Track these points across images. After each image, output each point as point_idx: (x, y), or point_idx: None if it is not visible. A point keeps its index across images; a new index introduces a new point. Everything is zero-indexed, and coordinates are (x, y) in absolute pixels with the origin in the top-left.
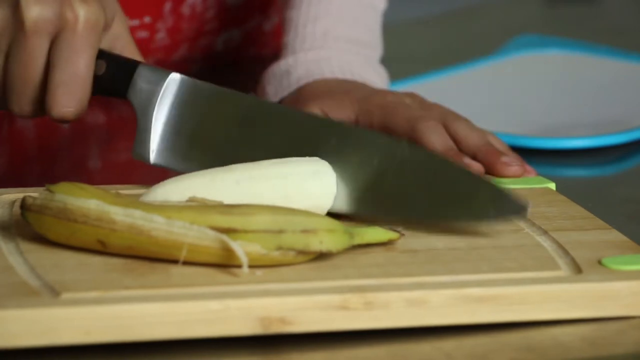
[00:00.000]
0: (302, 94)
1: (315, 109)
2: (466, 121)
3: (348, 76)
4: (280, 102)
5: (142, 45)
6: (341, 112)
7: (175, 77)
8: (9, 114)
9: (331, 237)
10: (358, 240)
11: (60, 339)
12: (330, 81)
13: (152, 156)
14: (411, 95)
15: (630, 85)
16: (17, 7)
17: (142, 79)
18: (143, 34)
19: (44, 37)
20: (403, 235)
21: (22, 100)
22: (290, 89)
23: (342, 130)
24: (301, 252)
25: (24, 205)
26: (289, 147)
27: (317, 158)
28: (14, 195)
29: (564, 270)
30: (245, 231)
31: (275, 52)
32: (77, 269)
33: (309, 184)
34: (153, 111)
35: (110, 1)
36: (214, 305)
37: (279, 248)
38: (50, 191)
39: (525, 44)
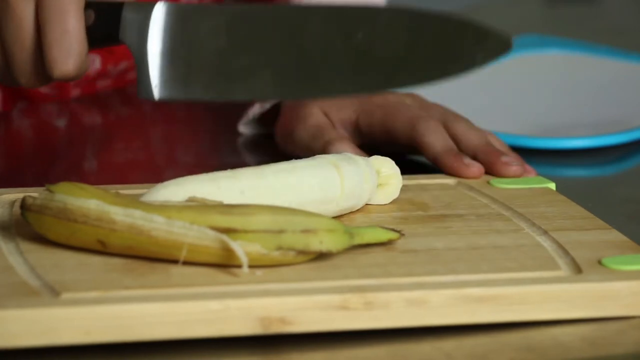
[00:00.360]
0: None
1: (316, 109)
2: (466, 121)
3: None
4: (280, 102)
5: None
6: (341, 111)
7: (159, 7)
8: (5, 115)
9: (331, 237)
10: (358, 241)
11: (60, 339)
12: None
13: (156, 92)
14: (411, 96)
15: (630, 85)
16: None
17: (129, 17)
18: None
19: (27, 2)
20: (403, 235)
21: (25, 70)
22: None
23: (324, 13)
24: (301, 252)
25: (24, 205)
26: (276, 44)
27: (324, 159)
28: (14, 195)
29: (564, 270)
30: (245, 231)
31: None
32: (77, 269)
33: (315, 195)
34: (146, 46)
35: None
36: (214, 305)
37: (279, 248)
38: (50, 191)
39: (525, 44)
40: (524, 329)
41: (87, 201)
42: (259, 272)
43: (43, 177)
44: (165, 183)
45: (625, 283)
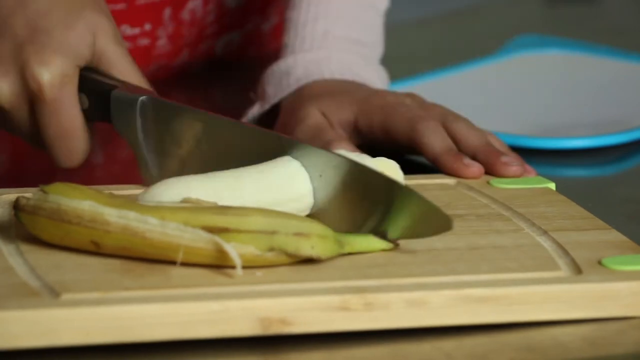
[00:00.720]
0: (301, 95)
1: (314, 110)
2: (466, 121)
3: (348, 76)
4: (280, 102)
5: (144, 53)
6: (340, 112)
7: (144, 100)
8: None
9: (322, 243)
10: (348, 249)
11: (60, 339)
12: (329, 82)
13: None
14: (411, 96)
15: (630, 85)
16: None
17: (117, 108)
18: (144, 41)
19: (22, 107)
20: (398, 245)
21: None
22: (290, 89)
23: (291, 146)
24: (291, 255)
25: (17, 206)
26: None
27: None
28: (14, 195)
29: (564, 271)
30: (239, 231)
31: (275, 53)
32: (77, 269)
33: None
34: (139, 136)
35: (80, 32)
36: (214, 306)
37: (271, 249)
38: (44, 192)
39: (525, 44)
40: (524, 329)
41: (81, 202)
42: (259, 273)
43: (42, 178)
44: (160, 182)
45: (625, 283)
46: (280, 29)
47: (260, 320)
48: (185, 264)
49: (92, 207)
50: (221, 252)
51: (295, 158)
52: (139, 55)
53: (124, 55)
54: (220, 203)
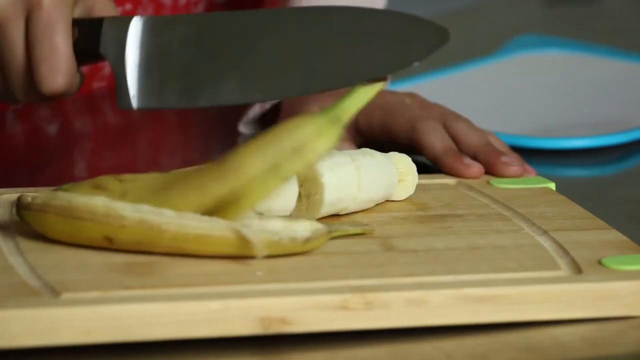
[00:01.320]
0: None
1: (315, 108)
2: (466, 121)
3: None
4: (280, 101)
5: None
6: None
7: (136, 21)
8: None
9: (322, 142)
10: (345, 117)
11: (60, 339)
12: None
13: (134, 102)
14: (411, 96)
15: (630, 85)
16: None
17: (108, 31)
18: (128, 6)
19: (16, 20)
20: (371, 231)
21: (19, 86)
22: None
23: (278, 15)
24: (305, 182)
25: (21, 204)
26: (238, 49)
27: (343, 155)
28: (14, 195)
29: (564, 270)
30: (245, 184)
31: None
32: (77, 269)
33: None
34: (124, 58)
35: None
36: (214, 305)
37: (283, 179)
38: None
39: (525, 44)
40: (524, 329)
41: (93, 198)
42: (259, 273)
43: (33, 182)
44: None
45: (625, 283)
46: None
47: (261, 320)
48: (180, 260)
49: (105, 202)
50: (241, 240)
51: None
52: None
53: (115, 9)
54: None
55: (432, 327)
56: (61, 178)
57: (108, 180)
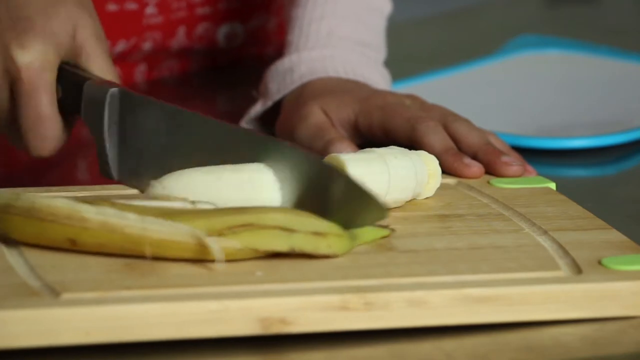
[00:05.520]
0: (303, 92)
1: (316, 108)
2: (466, 121)
3: (351, 76)
4: (282, 99)
5: (134, 19)
6: (341, 111)
7: (114, 93)
8: None
9: (338, 241)
10: (358, 242)
11: (60, 339)
12: (332, 80)
13: (115, 174)
14: (411, 97)
15: (630, 85)
16: None
17: (87, 98)
18: (132, 5)
19: (1, 89)
20: (394, 230)
21: (16, 143)
22: (293, 86)
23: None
24: (308, 255)
25: None
26: (211, 157)
27: (373, 152)
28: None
29: (564, 271)
30: (261, 227)
31: (278, 52)
32: (77, 269)
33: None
34: (103, 129)
35: (61, 23)
36: (214, 305)
37: (291, 248)
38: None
39: (525, 44)
40: (524, 329)
41: (55, 200)
42: (259, 273)
43: (44, 179)
44: (163, 177)
45: (625, 283)
46: (283, 28)
47: (260, 320)
48: (179, 260)
49: (67, 204)
50: (202, 246)
51: (263, 157)
52: (129, 21)
53: (103, 51)
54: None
55: (432, 327)
56: (64, 180)
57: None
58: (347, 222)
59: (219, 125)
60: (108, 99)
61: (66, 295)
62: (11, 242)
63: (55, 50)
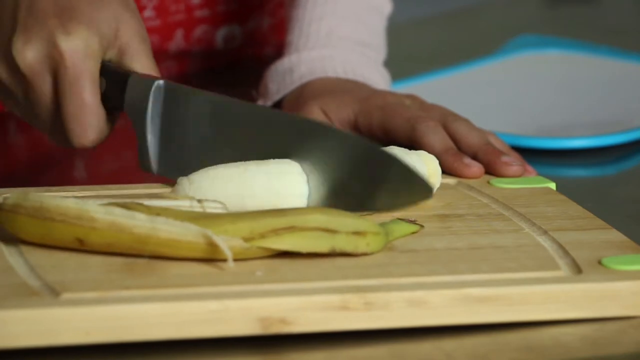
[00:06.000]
0: (303, 92)
1: (315, 108)
2: (466, 121)
3: (350, 76)
4: (282, 99)
5: None
6: (341, 111)
7: (159, 84)
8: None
9: (375, 239)
10: (391, 238)
11: (60, 339)
12: (332, 80)
13: (155, 167)
14: (411, 97)
15: (630, 85)
16: (11, 57)
17: (132, 90)
18: None
19: (43, 76)
20: (422, 226)
21: (54, 137)
22: (293, 86)
23: (306, 128)
24: (348, 254)
25: None
26: (259, 146)
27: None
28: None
29: (564, 271)
30: (303, 229)
31: (276, 52)
32: (77, 269)
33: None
34: (146, 122)
35: (106, 17)
36: (214, 305)
37: (332, 249)
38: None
39: (525, 44)
40: (524, 329)
41: (65, 200)
42: (259, 273)
43: (43, 179)
44: (192, 174)
45: (625, 283)
46: (281, 28)
47: (260, 320)
48: (179, 260)
49: (77, 204)
50: (211, 245)
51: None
52: None
53: (147, 52)
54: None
55: (432, 327)
56: (62, 180)
57: (134, 205)
58: (393, 203)
59: (265, 112)
60: (153, 91)
61: (66, 295)
62: (11, 242)
63: (99, 41)
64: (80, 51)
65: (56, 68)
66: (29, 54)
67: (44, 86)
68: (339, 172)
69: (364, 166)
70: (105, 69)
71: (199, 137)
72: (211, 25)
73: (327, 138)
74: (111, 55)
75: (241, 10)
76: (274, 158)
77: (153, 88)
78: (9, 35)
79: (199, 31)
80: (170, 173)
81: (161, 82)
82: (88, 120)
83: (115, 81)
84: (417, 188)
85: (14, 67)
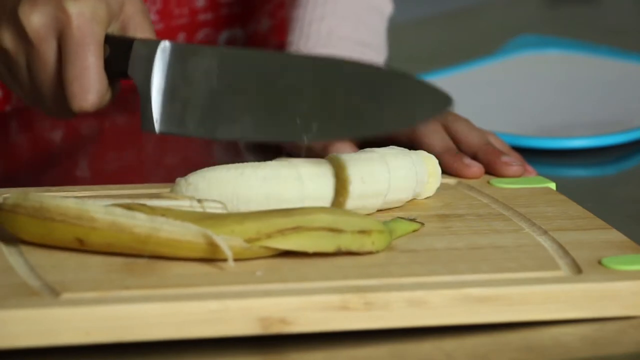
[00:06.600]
0: None
1: None
2: (466, 121)
3: None
4: None
5: None
6: None
7: (165, 45)
8: (3, 115)
9: (380, 238)
10: (394, 237)
11: (60, 339)
12: None
13: (157, 126)
14: None
15: (630, 85)
16: (18, 21)
17: (137, 53)
18: None
19: (49, 40)
20: (423, 224)
21: (53, 103)
22: None
23: (299, 61)
24: (353, 253)
25: None
26: (257, 88)
27: (373, 152)
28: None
29: (564, 271)
30: (309, 229)
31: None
32: (77, 269)
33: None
34: (150, 82)
35: None
36: (214, 305)
37: (338, 248)
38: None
39: (525, 44)
40: (524, 329)
41: (65, 200)
42: (259, 273)
43: (45, 178)
44: (189, 175)
45: (626, 283)
46: (281, 29)
47: (260, 320)
48: (179, 260)
49: (77, 204)
50: (211, 245)
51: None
52: None
53: (150, 26)
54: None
55: (432, 327)
56: (65, 179)
57: (137, 205)
58: (415, 117)
59: (274, 55)
60: (160, 50)
61: (66, 295)
62: (11, 242)
63: (105, 8)
64: (88, 15)
65: (62, 31)
66: (35, 17)
67: (48, 52)
68: (355, 99)
69: (380, 87)
70: (110, 37)
71: (205, 92)
72: (214, 29)
73: (341, 67)
74: (114, 29)
75: (244, 13)
76: (287, 100)
77: (160, 47)
78: (15, 0)
79: (201, 34)
80: (173, 129)
81: (167, 43)
82: (90, 83)
83: (119, 46)
84: (437, 98)
85: (20, 31)
